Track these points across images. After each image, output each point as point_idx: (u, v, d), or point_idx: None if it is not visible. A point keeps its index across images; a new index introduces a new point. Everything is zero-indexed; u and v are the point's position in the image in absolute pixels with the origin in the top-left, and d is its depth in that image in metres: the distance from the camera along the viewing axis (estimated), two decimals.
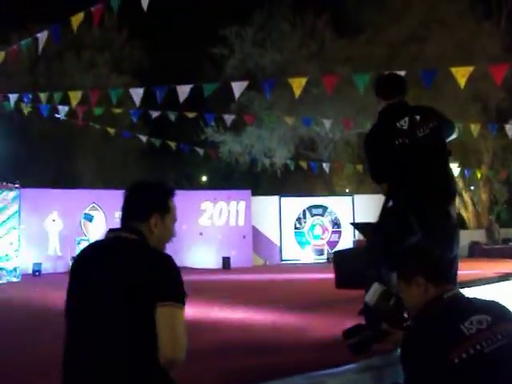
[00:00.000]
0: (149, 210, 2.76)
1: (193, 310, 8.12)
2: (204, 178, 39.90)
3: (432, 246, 3.62)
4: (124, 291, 2.50)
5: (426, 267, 3.07)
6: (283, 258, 22.58)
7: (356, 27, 26.83)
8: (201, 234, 20.62)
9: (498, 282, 11.27)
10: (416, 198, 4.73)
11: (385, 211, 4.93)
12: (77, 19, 13.55)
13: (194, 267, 18.58)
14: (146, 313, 2.46)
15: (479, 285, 10.10)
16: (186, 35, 32.55)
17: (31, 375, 5.09)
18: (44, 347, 6.61)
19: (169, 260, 2.59)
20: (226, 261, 19.95)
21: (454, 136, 5.19)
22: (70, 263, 16.00)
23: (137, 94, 15.77)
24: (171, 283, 2.53)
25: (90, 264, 2.69)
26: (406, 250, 3.59)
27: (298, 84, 13.26)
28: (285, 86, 15.48)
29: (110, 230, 2.79)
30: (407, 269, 3.15)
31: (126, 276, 2.53)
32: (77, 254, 2.88)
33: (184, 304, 2.53)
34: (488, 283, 10.78)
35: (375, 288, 4.43)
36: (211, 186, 34.35)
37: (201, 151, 21.26)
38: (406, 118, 4.75)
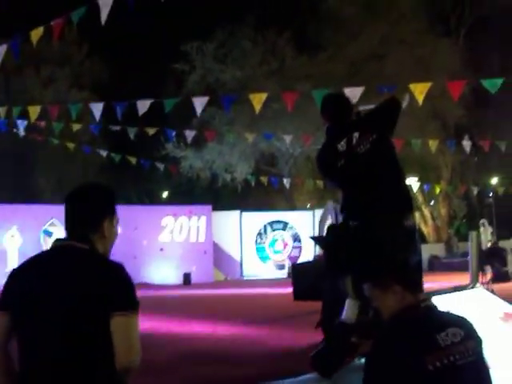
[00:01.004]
0: (101, 216, 2.72)
1: (153, 324, 8.12)
2: (165, 194, 39.59)
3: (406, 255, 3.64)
4: (77, 302, 2.48)
5: (403, 276, 3.09)
6: (244, 274, 22.56)
7: (317, 45, 27.10)
8: (161, 249, 20.49)
9: (453, 292, 11.42)
10: (362, 211, 4.76)
11: (345, 228, 4.93)
12: (36, 33, 13.49)
13: (155, 283, 18.46)
14: (100, 323, 2.45)
15: (435, 295, 10.24)
16: (147, 50, 32.52)
17: None
18: None
19: (121, 269, 2.57)
20: (187, 276, 19.87)
21: (403, 106, 5.22)
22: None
23: (97, 108, 15.70)
24: (124, 292, 2.52)
25: (35, 276, 2.61)
26: (381, 258, 3.60)
27: (258, 100, 13.32)
28: (245, 101, 15.54)
29: (58, 240, 2.74)
30: (383, 277, 3.14)
31: (78, 287, 2.50)
32: (16, 267, 2.73)
33: (137, 312, 2.51)
34: (442, 293, 10.92)
35: (350, 305, 4.44)
36: (172, 201, 34.16)
37: (161, 166, 21.19)
38: (344, 139, 4.76)
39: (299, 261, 21.18)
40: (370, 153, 4.72)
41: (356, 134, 4.76)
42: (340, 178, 4.86)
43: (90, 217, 2.72)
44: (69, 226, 2.72)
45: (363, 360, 3.25)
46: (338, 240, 4.85)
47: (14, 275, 2.64)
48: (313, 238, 17.61)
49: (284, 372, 4.64)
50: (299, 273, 11.23)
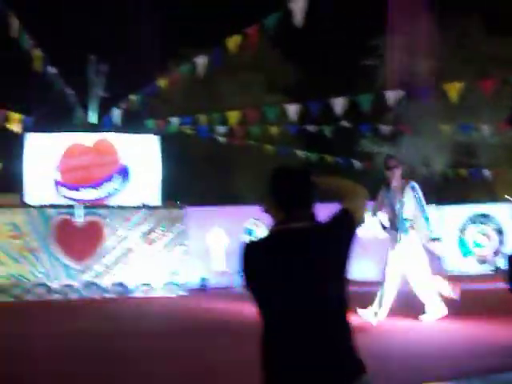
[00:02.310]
0: (314, 194, 2.92)
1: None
2: None
3: None
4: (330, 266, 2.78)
5: None
6: (446, 268, 22.00)
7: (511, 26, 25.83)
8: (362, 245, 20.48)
9: None
10: None
11: None
12: (233, 42, 14.10)
13: (356, 280, 18.48)
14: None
15: None
16: (335, 48, 32.61)
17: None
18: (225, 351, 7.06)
19: None
20: None
21: None
22: (239, 273, 16.50)
23: (292, 110, 16.09)
24: None
25: (287, 252, 2.78)
26: None
27: (454, 89, 13.06)
28: (440, 92, 15.25)
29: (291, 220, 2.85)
30: None
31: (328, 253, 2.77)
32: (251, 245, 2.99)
33: None
34: None
35: None
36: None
37: (357, 163, 21.24)
38: None
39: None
40: None
41: None
42: None
43: (306, 195, 2.91)
44: (289, 203, 2.89)
45: None
46: None
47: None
48: None
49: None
50: None
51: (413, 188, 10.66)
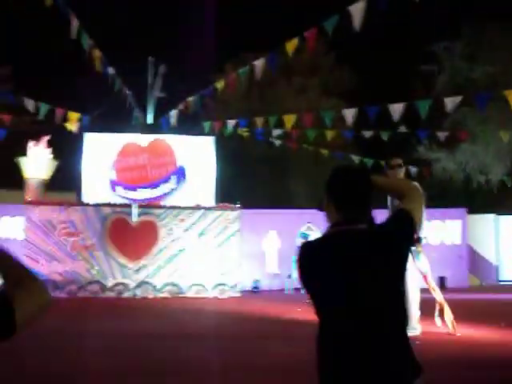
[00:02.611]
0: (372, 195, 2.88)
1: None
2: None
3: None
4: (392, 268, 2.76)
5: None
6: (501, 278, 21.62)
7: None
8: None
9: None
10: None
11: None
12: (291, 45, 14.07)
13: None
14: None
15: None
16: (393, 53, 32.37)
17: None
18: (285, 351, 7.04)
19: None
20: (442, 280, 19.47)
21: None
22: (295, 272, 16.45)
23: (349, 114, 15.97)
24: None
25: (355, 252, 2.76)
26: None
27: None
28: (499, 98, 14.97)
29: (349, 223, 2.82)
30: None
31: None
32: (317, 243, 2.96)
33: None
34: None
35: None
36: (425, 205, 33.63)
37: (414, 170, 21.00)
38: None
39: None
40: None
41: None
42: None
43: (366, 197, 2.88)
44: (350, 205, 2.85)
45: None
46: None
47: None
48: None
49: None
50: None
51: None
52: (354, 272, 2.68)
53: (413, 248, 9.76)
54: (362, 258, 2.70)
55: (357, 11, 11.69)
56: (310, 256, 2.82)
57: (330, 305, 2.74)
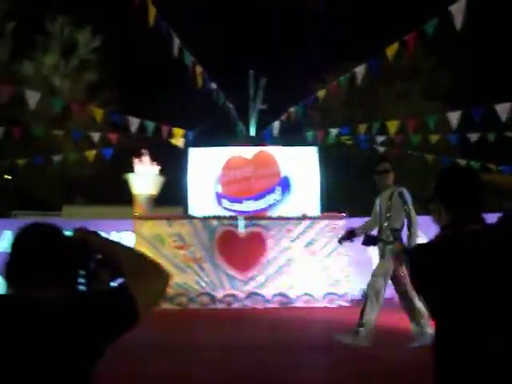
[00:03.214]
0: (484, 195, 2.86)
1: None
2: None
3: None
4: None
5: None
6: None
7: None
8: None
9: None
10: None
11: None
12: (391, 50, 13.94)
13: None
14: None
15: None
16: (496, 52, 31.51)
17: None
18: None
19: None
20: None
21: None
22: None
23: (453, 117, 15.67)
24: None
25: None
26: None
27: None
28: None
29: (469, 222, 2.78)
30: None
31: None
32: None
33: None
34: None
35: None
36: None
37: None
38: None
39: None
40: None
41: None
42: None
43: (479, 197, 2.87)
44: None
45: None
46: None
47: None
48: None
49: None
50: None
51: (400, 194, 9.69)
52: (471, 274, 2.63)
53: None
54: (477, 260, 2.64)
55: (458, 10, 11.47)
56: (424, 259, 2.79)
57: (447, 308, 2.69)
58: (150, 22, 13.91)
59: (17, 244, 2.36)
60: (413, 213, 9.49)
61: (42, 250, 2.35)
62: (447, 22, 11.73)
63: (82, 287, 2.38)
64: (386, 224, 9.64)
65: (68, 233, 2.46)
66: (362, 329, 9.42)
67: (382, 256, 9.75)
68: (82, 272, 2.38)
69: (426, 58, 30.60)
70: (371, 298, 9.63)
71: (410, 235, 9.29)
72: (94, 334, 2.19)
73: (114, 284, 2.41)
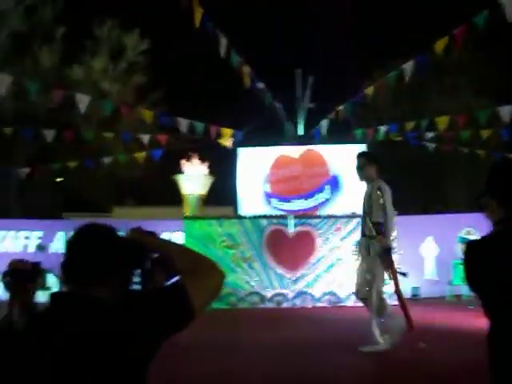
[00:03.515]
0: None
1: None
2: None
3: None
4: None
5: None
6: None
7: None
8: None
9: None
10: None
11: None
12: (440, 44, 13.78)
13: None
14: None
15: None
16: None
17: None
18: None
19: None
20: None
21: None
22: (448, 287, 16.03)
23: (505, 112, 15.44)
24: None
25: None
26: None
27: None
28: None
29: None
30: None
31: None
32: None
33: None
34: None
35: None
36: None
37: None
38: None
39: None
40: None
41: None
42: None
43: None
44: None
45: None
46: None
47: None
48: None
49: None
50: None
51: (379, 188, 9.36)
52: None
53: None
54: None
55: (510, 2, 11.27)
56: (478, 256, 2.75)
57: (501, 306, 2.64)
58: (195, 23, 13.99)
59: (74, 243, 2.42)
60: (389, 206, 9.29)
61: (98, 249, 2.41)
62: (498, 14, 11.54)
63: (137, 286, 2.42)
64: (368, 218, 9.42)
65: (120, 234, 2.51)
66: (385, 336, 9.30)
67: (368, 253, 9.50)
68: (137, 271, 2.43)
69: (476, 51, 30.15)
70: (377, 306, 9.49)
71: (385, 229, 9.16)
72: (148, 332, 2.23)
73: (169, 283, 2.44)
